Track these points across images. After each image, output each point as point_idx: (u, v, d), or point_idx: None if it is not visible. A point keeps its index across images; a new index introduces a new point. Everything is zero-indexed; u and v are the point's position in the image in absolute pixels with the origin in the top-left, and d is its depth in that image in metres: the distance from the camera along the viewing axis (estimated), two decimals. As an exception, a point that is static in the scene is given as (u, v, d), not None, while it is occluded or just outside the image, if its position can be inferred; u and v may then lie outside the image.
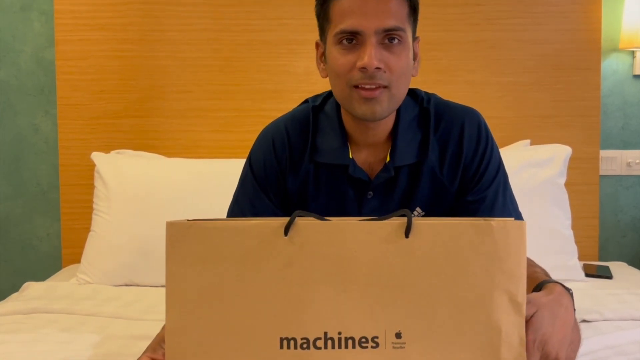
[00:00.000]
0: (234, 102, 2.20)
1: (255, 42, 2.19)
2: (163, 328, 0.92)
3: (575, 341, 1.09)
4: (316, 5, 1.13)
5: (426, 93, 1.22)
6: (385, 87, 1.06)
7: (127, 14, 2.18)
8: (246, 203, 1.21)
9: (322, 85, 2.15)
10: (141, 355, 0.94)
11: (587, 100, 2.19)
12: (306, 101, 1.27)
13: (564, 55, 2.18)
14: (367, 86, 1.05)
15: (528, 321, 0.86)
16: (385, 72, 1.05)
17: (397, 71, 1.06)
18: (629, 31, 2.18)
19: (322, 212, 1.15)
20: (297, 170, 1.19)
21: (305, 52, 2.19)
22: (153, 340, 0.98)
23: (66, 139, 2.20)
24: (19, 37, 2.25)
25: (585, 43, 2.17)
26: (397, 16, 1.05)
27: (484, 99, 2.18)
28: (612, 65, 2.26)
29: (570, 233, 1.98)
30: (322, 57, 1.16)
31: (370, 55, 1.03)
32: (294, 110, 1.26)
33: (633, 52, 2.25)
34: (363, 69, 1.04)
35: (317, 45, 1.18)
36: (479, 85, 2.19)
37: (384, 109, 1.08)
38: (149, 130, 2.21)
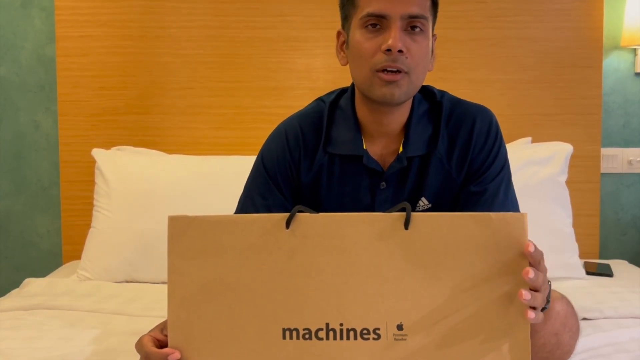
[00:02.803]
0: (234, 99, 2.20)
1: (255, 39, 2.19)
2: None
3: (574, 329, 1.10)
4: None
5: (439, 90, 1.26)
6: (405, 72, 1.09)
7: (128, 11, 2.18)
8: (257, 196, 1.22)
9: (323, 83, 2.17)
10: (146, 334, 0.95)
11: (588, 98, 2.18)
12: (318, 99, 1.29)
13: (566, 53, 2.18)
14: (389, 69, 1.08)
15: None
16: (407, 57, 1.09)
17: (417, 58, 1.10)
18: (630, 29, 2.18)
19: (336, 203, 1.19)
20: (311, 163, 1.21)
21: (306, 49, 2.19)
22: (160, 323, 0.99)
23: (67, 135, 2.20)
24: (19, 34, 2.25)
25: (587, 41, 2.17)
26: (421, 5, 1.10)
27: (485, 97, 2.17)
28: (614, 63, 2.26)
29: (571, 231, 1.98)
30: (343, 45, 1.19)
31: (396, 37, 1.07)
32: (306, 108, 1.28)
33: (635, 50, 2.24)
34: (388, 50, 1.07)
35: (338, 34, 1.21)
36: (480, 83, 2.19)
37: (403, 93, 1.11)
38: (150, 126, 2.21)
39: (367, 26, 1.10)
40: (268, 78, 2.20)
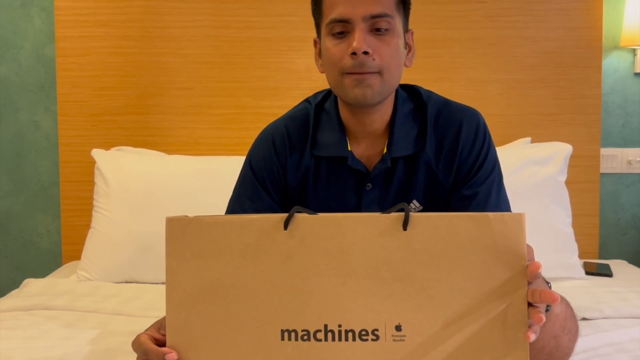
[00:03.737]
0: (234, 99, 2.20)
1: (255, 39, 2.19)
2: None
3: (573, 331, 1.10)
4: (311, 4, 1.19)
5: (425, 90, 1.24)
6: (376, 72, 1.09)
7: (128, 11, 2.18)
8: (245, 200, 1.23)
9: (322, 83, 2.15)
10: (143, 332, 0.95)
11: (588, 98, 2.18)
12: (305, 101, 1.29)
13: (565, 53, 2.18)
14: (357, 72, 1.08)
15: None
16: (374, 59, 1.08)
17: (387, 57, 1.10)
18: (630, 29, 2.18)
19: (322, 205, 1.19)
20: (298, 166, 1.21)
21: (306, 49, 2.19)
22: (156, 322, 0.99)
23: (66, 135, 2.20)
24: (19, 34, 2.25)
25: (587, 41, 2.17)
26: (384, 3, 1.09)
27: (485, 97, 2.17)
28: (613, 63, 2.26)
29: (570, 231, 1.98)
30: (320, 53, 1.20)
31: (359, 39, 1.07)
32: (293, 110, 1.29)
33: (634, 50, 2.24)
34: (353, 54, 1.07)
35: (315, 43, 1.22)
36: (480, 83, 2.19)
37: (375, 92, 1.10)
38: (149, 127, 2.21)
39: (333, 33, 1.11)
40: (268, 78, 2.20)
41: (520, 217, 0.85)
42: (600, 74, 2.18)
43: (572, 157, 2.05)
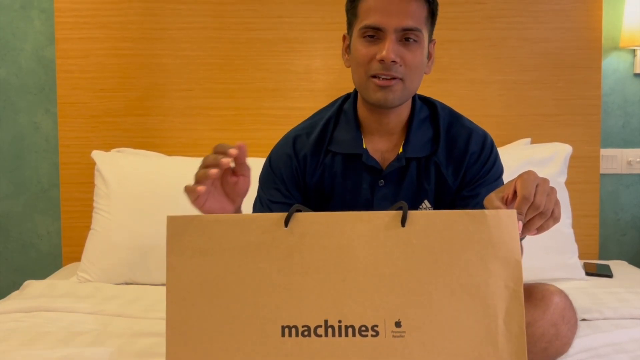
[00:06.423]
0: (234, 101, 2.21)
1: (255, 41, 2.19)
2: None
3: (572, 321, 1.12)
4: (347, 2, 1.26)
5: (440, 103, 1.34)
6: (399, 79, 1.19)
7: (128, 13, 2.18)
8: (265, 199, 1.31)
9: (322, 84, 2.17)
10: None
11: (587, 98, 2.19)
12: (325, 108, 1.37)
13: (565, 53, 2.18)
14: (383, 77, 1.19)
15: (517, 180, 0.94)
16: (400, 65, 1.18)
17: (411, 66, 1.20)
18: (629, 30, 2.18)
19: (338, 201, 1.28)
20: (316, 164, 1.30)
21: (306, 51, 2.19)
22: None
23: (66, 137, 2.20)
24: (19, 36, 2.25)
25: (586, 41, 2.17)
26: (415, 17, 1.18)
27: (484, 98, 2.18)
28: (613, 64, 2.26)
29: (570, 232, 1.98)
30: (348, 48, 1.28)
31: (389, 49, 1.16)
32: (311, 117, 1.38)
33: (634, 51, 2.25)
34: (381, 61, 1.17)
35: (344, 37, 1.31)
36: (479, 84, 2.19)
37: (396, 98, 1.21)
38: (149, 128, 2.21)
39: (365, 36, 1.20)
40: (267, 79, 2.20)
41: (512, 214, 0.87)
42: (600, 74, 2.19)
43: (572, 157, 2.05)
